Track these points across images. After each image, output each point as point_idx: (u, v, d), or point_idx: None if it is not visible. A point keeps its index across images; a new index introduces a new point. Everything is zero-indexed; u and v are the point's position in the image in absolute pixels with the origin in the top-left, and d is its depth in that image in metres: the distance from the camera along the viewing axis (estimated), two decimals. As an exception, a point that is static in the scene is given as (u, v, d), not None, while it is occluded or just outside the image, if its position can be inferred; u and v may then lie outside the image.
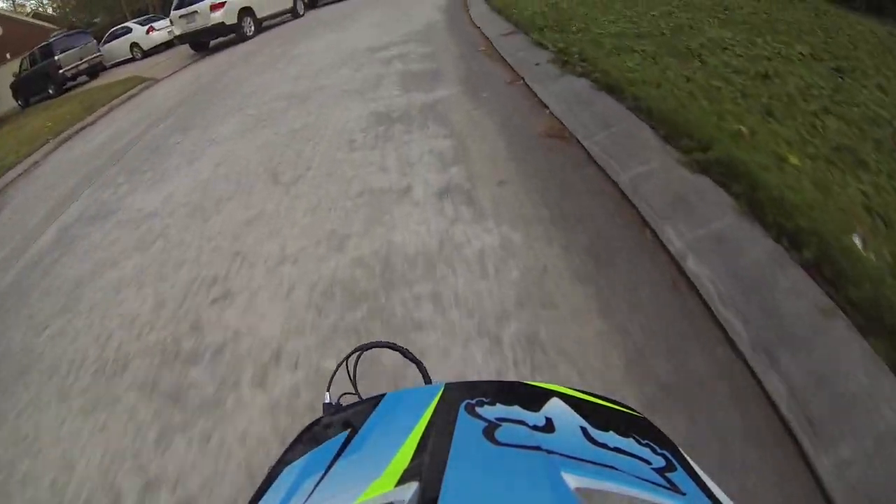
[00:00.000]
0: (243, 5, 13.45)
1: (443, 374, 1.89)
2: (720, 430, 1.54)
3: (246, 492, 1.70)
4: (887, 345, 1.63)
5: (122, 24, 19.61)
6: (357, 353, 0.81)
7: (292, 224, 3.22)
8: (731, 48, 4.46)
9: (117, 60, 18.91)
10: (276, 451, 1.09)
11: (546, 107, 4.08)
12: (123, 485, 1.91)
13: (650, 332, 1.90)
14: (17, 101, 18.06)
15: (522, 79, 4.87)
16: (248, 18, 13.67)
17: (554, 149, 3.43)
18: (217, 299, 2.77)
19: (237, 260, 3.04)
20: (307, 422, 0.65)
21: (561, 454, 0.42)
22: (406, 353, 0.82)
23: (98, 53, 17.83)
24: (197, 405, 2.14)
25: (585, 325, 1.99)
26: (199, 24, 13.30)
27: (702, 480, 0.45)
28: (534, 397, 0.54)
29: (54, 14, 30.72)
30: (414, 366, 0.82)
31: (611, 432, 0.49)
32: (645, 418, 0.56)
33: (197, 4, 13.11)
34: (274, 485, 0.50)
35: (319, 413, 0.70)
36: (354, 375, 0.82)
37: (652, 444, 0.49)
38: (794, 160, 2.66)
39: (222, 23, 13.11)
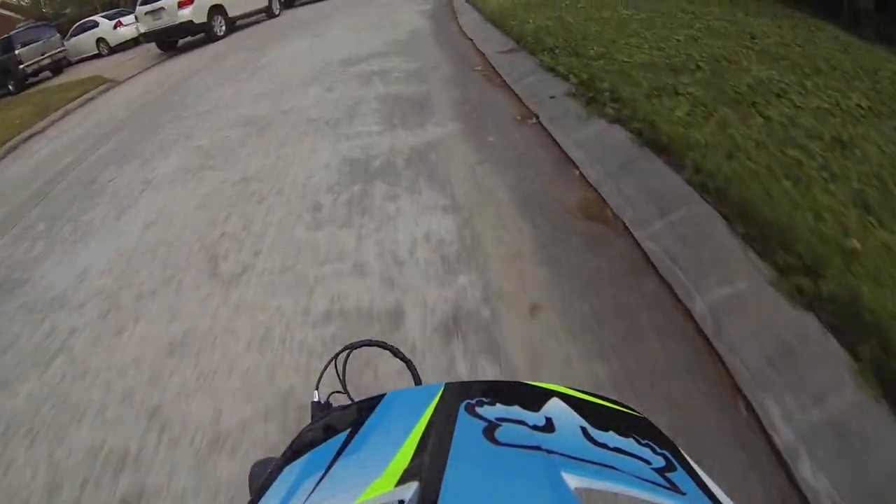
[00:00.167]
0: (214, 3, 11.95)
1: None
2: None
3: None
4: None
5: (90, 18, 17.73)
6: (346, 352, 0.79)
7: (230, 367, 2.05)
8: (785, 94, 3.43)
9: (83, 56, 17.03)
10: None
11: (575, 165, 2.97)
12: None
13: None
14: (-26, 98, 16.21)
15: (536, 116, 3.75)
16: (219, 17, 12.17)
17: (597, 241, 2.34)
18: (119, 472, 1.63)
19: (153, 428, 1.90)
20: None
21: (561, 454, 0.40)
22: (396, 352, 0.79)
23: (62, 48, 15.99)
24: None
25: None
26: (165, 21, 11.77)
27: (702, 480, 0.42)
28: (534, 397, 0.50)
29: (24, 4, 28.22)
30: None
31: (611, 432, 0.46)
32: (645, 418, 0.52)
33: (164, 0, 11.60)
34: (274, 485, 0.46)
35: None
36: (343, 375, 0.79)
37: (652, 444, 0.46)
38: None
39: (191, 21, 11.61)
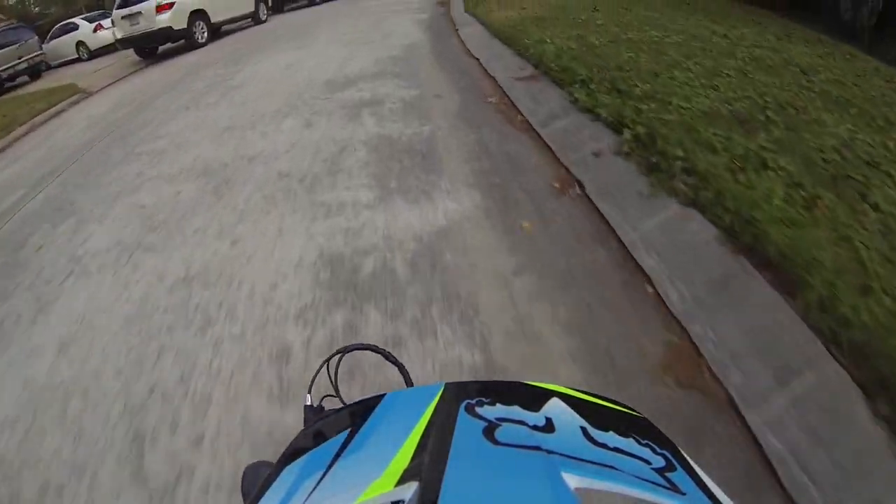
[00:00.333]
0: (195, 8, 10.67)
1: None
2: None
3: None
4: None
5: (70, 20, 16.23)
6: (339, 356, 0.72)
7: None
8: (879, 166, 2.44)
9: (63, 60, 15.60)
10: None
11: (648, 279, 1.94)
12: None
13: None
14: (-52, 105, 14.74)
15: (579, 183, 2.70)
16: (201, 23, 10.89)
17: (697, 431, 1.34)
18: None
19: None
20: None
21: (561, 454, 0.38)
22: (388, 356, 0.73)
23: (39, 52, 14.45)
24: None
25: None
26: (143, 27, 10.47)
27: (702, 480, 0.40)
28: (534, 397, 0.48)
29: (8, 2, 26.28)
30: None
31: (611, 432, 0.44)
32: (645, 418, 0.50)
33: (141, 4, 10.27)
34: (274, 485, 0.44)
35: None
36: (336, 378, 0.72)
37: (652, 444, 0.44)
38: None
39: (170, 27, 10.32)
